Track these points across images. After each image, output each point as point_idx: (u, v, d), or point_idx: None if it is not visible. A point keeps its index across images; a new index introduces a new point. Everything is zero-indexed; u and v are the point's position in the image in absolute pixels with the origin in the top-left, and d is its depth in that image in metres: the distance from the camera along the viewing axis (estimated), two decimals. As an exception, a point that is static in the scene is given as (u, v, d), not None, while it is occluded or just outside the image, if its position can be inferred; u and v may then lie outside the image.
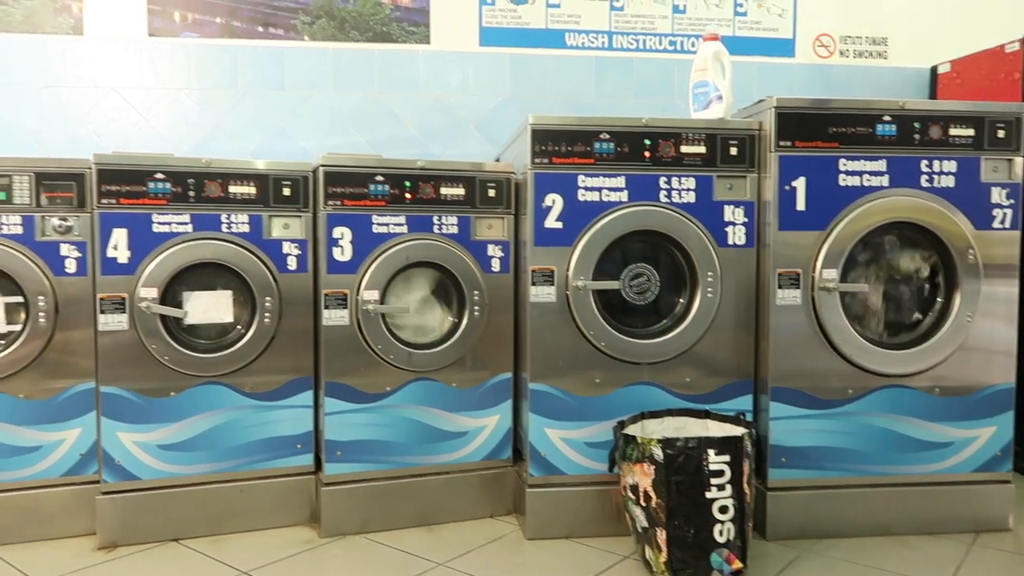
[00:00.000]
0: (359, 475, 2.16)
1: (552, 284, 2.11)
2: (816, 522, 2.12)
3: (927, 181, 2.12)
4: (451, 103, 2.89)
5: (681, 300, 2.19)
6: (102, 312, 2.05)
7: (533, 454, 2.12)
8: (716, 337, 2.15)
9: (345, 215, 2.14)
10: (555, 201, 2.11)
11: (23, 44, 2.63)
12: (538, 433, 2.11)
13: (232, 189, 2.15)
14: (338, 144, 2.75)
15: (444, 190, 2.22)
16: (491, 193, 2.26)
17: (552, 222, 2.11)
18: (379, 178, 2.17)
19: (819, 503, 2.12)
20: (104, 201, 2.05)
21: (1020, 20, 2.98)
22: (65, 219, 2.10)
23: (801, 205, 2.10)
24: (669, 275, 2.19)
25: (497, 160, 2.76)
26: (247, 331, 2.15)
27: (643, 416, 2.09)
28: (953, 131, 2.13)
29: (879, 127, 2.12)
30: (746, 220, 2.16)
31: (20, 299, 2.06)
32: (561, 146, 2.12)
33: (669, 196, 2.14)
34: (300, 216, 2.19)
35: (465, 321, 2.23)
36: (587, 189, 2.12)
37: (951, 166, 2.12)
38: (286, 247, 2.19)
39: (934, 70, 3.13)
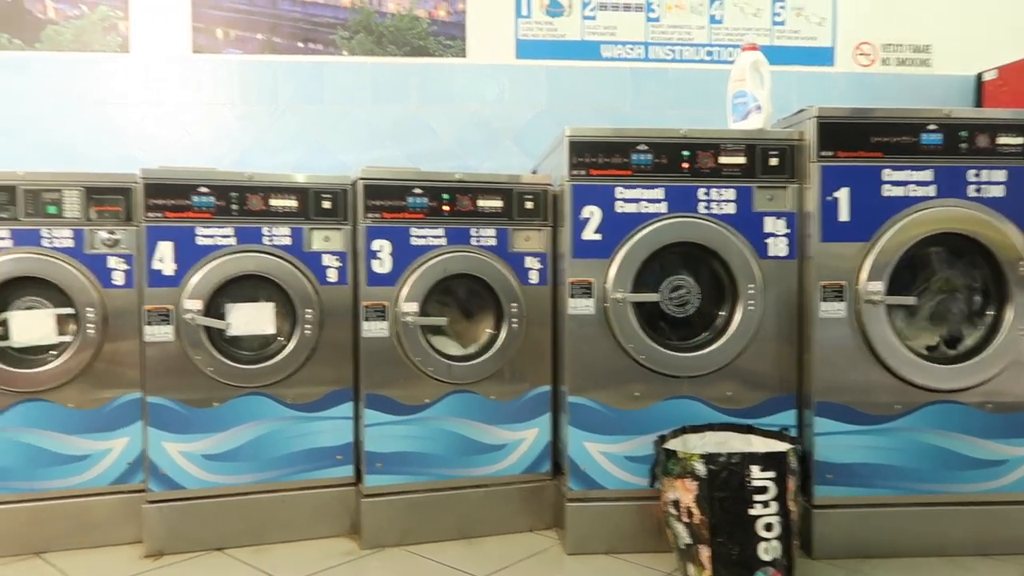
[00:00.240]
0: (399, 487, 2.17)
1: (590, 296, 2.10)
2: (865, 541, 2.07)
3: (975, 191, 2.08)
4: (487, 116, 2.91)
5: (721, 312, 2.17)
6: (148, 323, 2.09)
7: (572, 468, 2.11)
8: (758, 350, 2.12)
9: (384, 228, 2.16)
10: (593, 213, 2.11)
11: (73, 62, 2.71)
12: (577, 447, 2.10)
13: (273, 202, 2.18)
14: (376, 158, 2.78)
15: (482, 202, 2.23)
16: (528, 205, 2.26)
17: (590, 234, 2.11)
18: (417, 191, 2.19)
19: (868, 521, 2.07)
20: (150, 215, 2.09)
21: (1069, 25, 2.92)
22: (113, 232, 2.15)
23: (844, 216, 2.06)
24: (708, 287, 2.17)
25: (534, 172, 2.76)
26: (288, 343, 2.18)
27: (684, 430, 2.06)
28: (1001, 139, 2.08)
29: (924, 136, 2.08)
30: (787, 231, 2.13)
31: (71, 310, 2.11)
32: (598, 158, 2.11)
33: (708, 207, 2.13)
34: (340, 229, 2.22)
35: (503, 333, 2.23)
36: (625, 201, 2.11)
37: (1000, 175, 2.08)
38: (326, 259, 2.21)
39: (979, 77, 3.07)
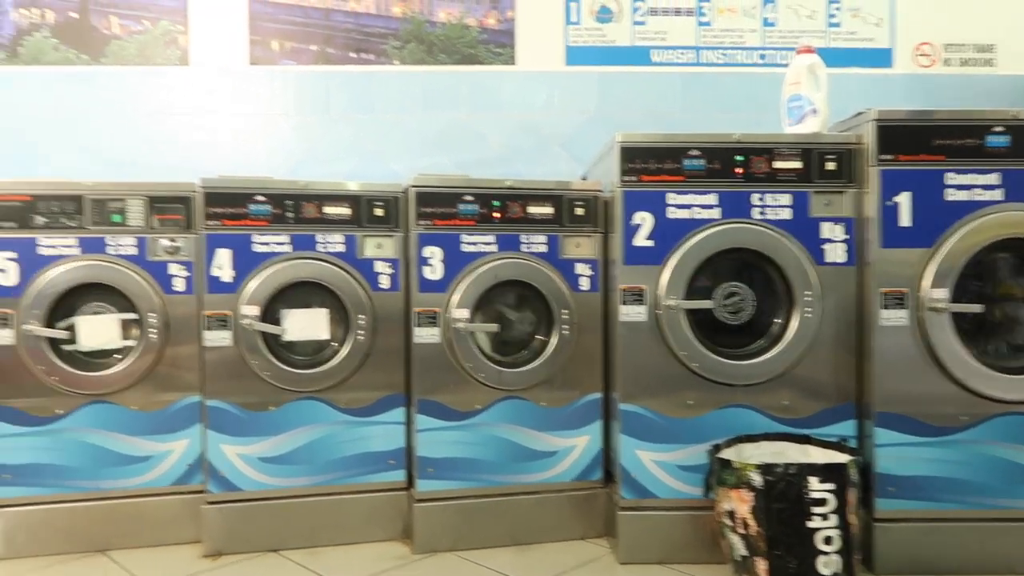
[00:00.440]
0: (450, 492, 2.18)
1: (642, 303, 2.09)
2: (929, 557, 2.00)
3: (1046, 195, 2.00)
4: (536, 122, 2.91)
5: (777, 320, 2.13)
6: (207, 329, 2.14)
7: (624, 476, 2.09)
8: (815, 359, 2.08)
9: (435, 234, 2.18)
10: (644, 219, 2.09)
11: (136, 75, 2.80)
12: (629, 455, 2.08)
13: (327, 210, 2.21)
14: (427, 165, 2.81)
15: (532, 209, 2.23)
16: (579, 211, 2.26)
17: (642, 240, 2.09)
18: (468, 198, 2.20)
19: (932, 537, 2.00)
20: (210, 223, 2.15)
21: None
22: (174, 240, 2.22)
23: (905, 221, 2.01)
24: (763, 294, 2.13)
25: (583, 178, 2.76)
26: (342, 348, 2.21)
27: (739, 440, 2.03)
28: (1074, 141, 2.00)
29: (990, 138, 2.01)
30: (846, 237, 2.08)
31: (134, 316, 2.17)
32: (650, 163, 2.10)
33: (763, 213, 2.09)
34: (392, 236, 2.24)
35: (554, 340, 2.22)
36: (677, 207, 2.09)
37: (1073, 178, 2.00)
38: (379, 266, 2.24)
39: (1047, 77, 2.96)
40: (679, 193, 2.09)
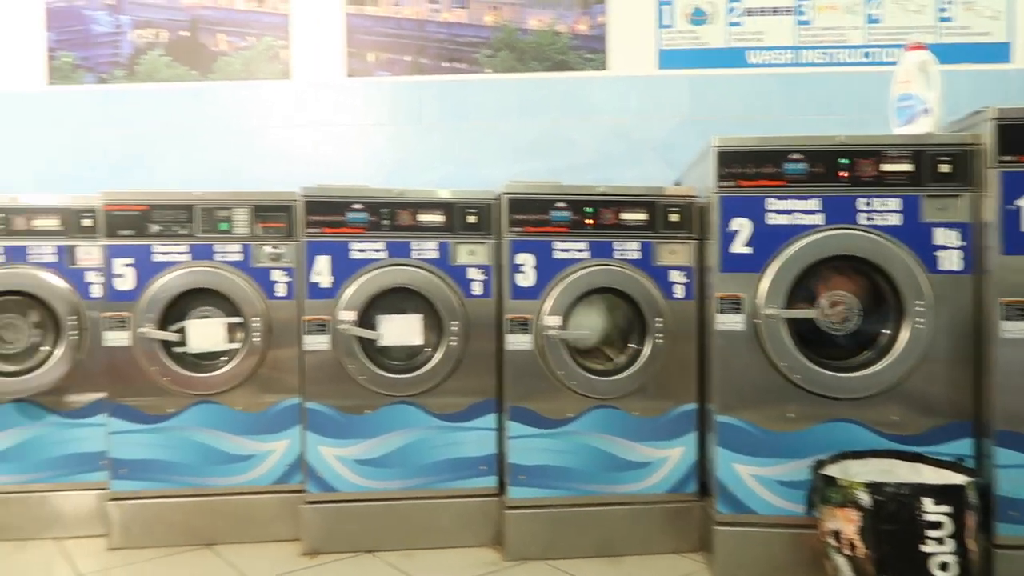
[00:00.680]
0: (542, 500, 2.17)
1: (740, 312, 2.03)
2: (1056, 587, 1.86)
3: None
4: (628, 128, 2.88)
5: (885, 331, 2.02)
6: (307, 333, 2.21)
7: (721, 490, 2.03)
8: (928, 372, 1.96)
9: (528, 241, 2.18)
10: (742, 225, 2.03)
11: (241, 90, 2.93)
12: (726, 468, 2.02)
13: (422, 217, 2.25)
14: (519, 172, 2.81)
15: (625, 215, 2.21)
16: (673, 218, 2.21)
17: (739, 247, 2.03)
18: (560, 204, 2.19)
19: (1063, 566, 1.86)
20: (310, 230, 2.21)
21: None
22: (276, 247, 2.30)
23: (1030, 226, 1.88)
24: (869, 303, 2.03)
25: (676, 184, 2.70)
26: (435, 354, 2.24)
27: (844, 456, 1.94)
28: None
29: (1122, 136, 1.86)
30: (962, 244, 1.96)
31: (239, 320, 2.27)
32: (748, 168, 2.04)
33: (870, 218, 2.00)
34: (485, 243, 2.26)
35: (647, 348, 2.18)
36: (777, 212, 2.02)
37: None
38: (471, 273, 2.26)
39: None
40: (779, 198, 2.02)
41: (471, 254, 2.26)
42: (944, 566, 1.65)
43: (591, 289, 2.19)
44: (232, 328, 2.28)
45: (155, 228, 2.26)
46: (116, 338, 2.23)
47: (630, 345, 2.24)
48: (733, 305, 2.03)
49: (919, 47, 2.20)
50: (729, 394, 2.04)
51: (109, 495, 2.25)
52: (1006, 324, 1.88)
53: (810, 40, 2.86)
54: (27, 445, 2.32)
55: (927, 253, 1.98)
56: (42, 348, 2.34)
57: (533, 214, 2.19)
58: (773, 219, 2.02)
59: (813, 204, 2.01)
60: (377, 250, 2.23)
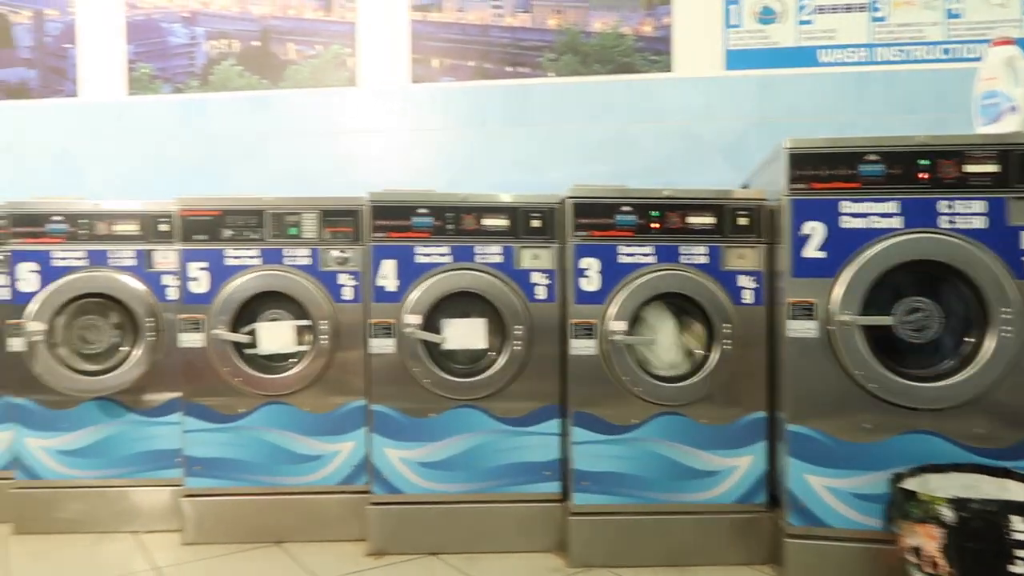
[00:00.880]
0: (606, 507, 2.14)
1: (812, 318, 1.97)
2: None
3: None
4: (694, 130, 2.83)
5: (968, 339, 1.93)
6: (373, 336, 2.24)
7: (792, 501, 1.97)
8: (1017, 383, 1.87)
9: (592, 246, 2.16)
10: (815, 229, 1.97)
11: (310, 97, 3.00)
12: (798, 479, 1.96)
13: (486, 222, 2.25)
14: (582, 176, 2.79)
15: (692, 219, 2.17)
16: (742, 221, 2.16)
17: (812, 251, 1.97)
18: (625, 208, 2.17)
19: None
20: (376, 235, 2.24)
21: None
22: (343, 251, 2.34)
23: None
24: (949, 310, 1.95)
25: (744, 187, 2.64)
26: (499, 358, 2.24)
27: (924, 469, 1.86)
28: None
29: None
30: (1056, 248, 1.87)
31: (307, 322, 2.31)
32: (821, 170, 1.98)
33: (952, 222, 1.92)
34: (549, 247, 2.25)
35: (715, 355, 2.14)
36: (852, 215, 1.96)
37: None
38: (535, 277, 2.25)
39: None
40: (854, 201, 1.96)
41: (535, 258, 2.26)
42: (1035, 588, 1.57)
43: (657, 294, 2.16)
44: (301, 331, 2.33)
45: (228, 233, 2.32)
46: (190, 339, 2.31)
47: (697, 352, 2.19)
48: (805, 311, 1.98)
49: (1006, 42, 2.10)
50: (801, 403, 1.98)
51: (183, 491, 2.32)
52: (1103, 333, 1.78)
53: (885, 37, 2.77)
54: (108, 441, 2.42)
55: (1014, 258, 1.89)
56: (121, 348, 2.44)
57: (598, 218, 2.17)
58: (848, 222, 1.96)
59: (891, 207, 1.94)
60: (442, 254, 2.25)
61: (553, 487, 2.24)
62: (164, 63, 3.06)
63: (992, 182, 1.91)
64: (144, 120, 3.04)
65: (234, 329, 2.30)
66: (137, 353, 2.40)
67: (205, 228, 2.32)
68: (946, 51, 2.73)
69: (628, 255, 2.16)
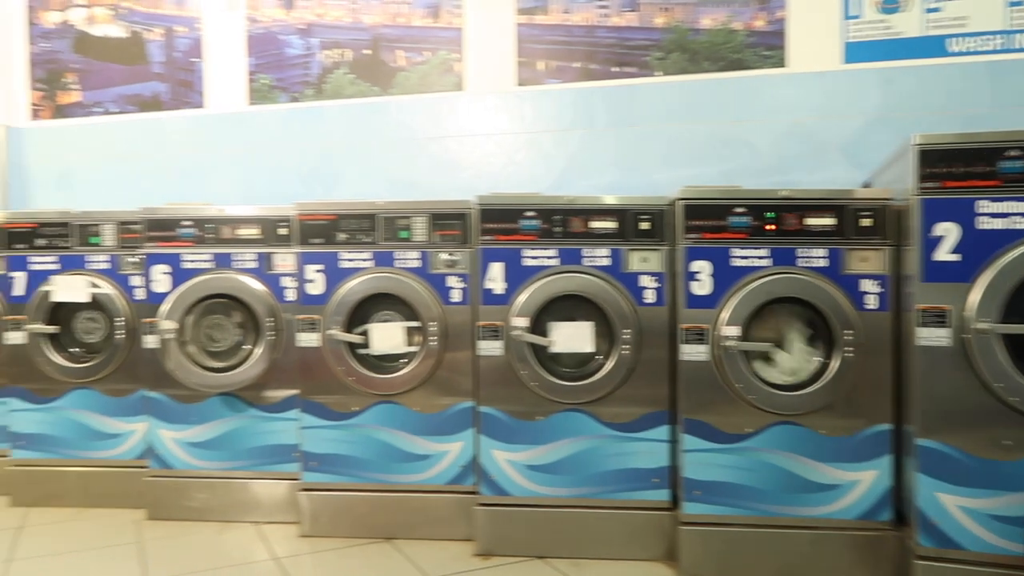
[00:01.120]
0: (718, 518, 2.09)
1: (945, 326, 1.85)
2: None
3: None
4: (809, 127, 2.71)
5: None
6: (480, 338, 2.26)
7: (922, 521, 1.86)
8: None
9: (704, 248, 2.10)
10: (948, 230, 1.85)
11: (418, 103, 3.06)
12: (928, 497, 1.85)
13: (593, 224, 2.24)
14: (690, 176, 2.74)
15: (810, 220, 2.08)
16: (865, 222, 2.06)
17: (944, 254, 1.85)
18: (739, 209, 2.10)
19: None
20: (484, 237, 2.26)
21: None
22: (452, 254, 2.37)
23: None
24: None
25: (865, 186, 2.52)
26: (607, 362, 2.22)
27: (1075, 491, 1.72)
28: None
29: None
30: None
31: (417, 324, 2.36)
32: (955, 167, 1.86)
33: (1108, 222, 1.76)
34: (658, 250, 2.21)
35: (835, 363, 2.04)
36: (991, 216, 1.83)
37: None
38: (644, 280, 2.22)
39: None
40: (993, 200, 1.83)
41: (643, 261, 2.22)
42: None
43: (772, 298, 2.08)
44: (411, 332, 2.38)
45: (342, 236, 2.40)
46: (307, 339, 2.40)
47: (816, 359, 2.10)
48: (937, 318, 1.86)
49: None
50: (931, 415, 1.87)
51: (300, 485, 2.42)
52: None
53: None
54: (231, 435, 2.55)
55: None
56: (244, 347, 2.57)
57: (710, 220, 2.11)
58: (985, 223, 1.83)
59: (1035, 206, 1.80)
60: (549, 257, 2.25)
61: (662, 495, 2.20)
62: (282, 73, 3.20)
63: None
64: (263, 128, 3.19)
65: (348, 329, 2.38)
66: (258, 351, 2.52)
67: (321, 232, 2.41)
68: (1096, 35, 2.51)
69: (742, 258, 2.09)
